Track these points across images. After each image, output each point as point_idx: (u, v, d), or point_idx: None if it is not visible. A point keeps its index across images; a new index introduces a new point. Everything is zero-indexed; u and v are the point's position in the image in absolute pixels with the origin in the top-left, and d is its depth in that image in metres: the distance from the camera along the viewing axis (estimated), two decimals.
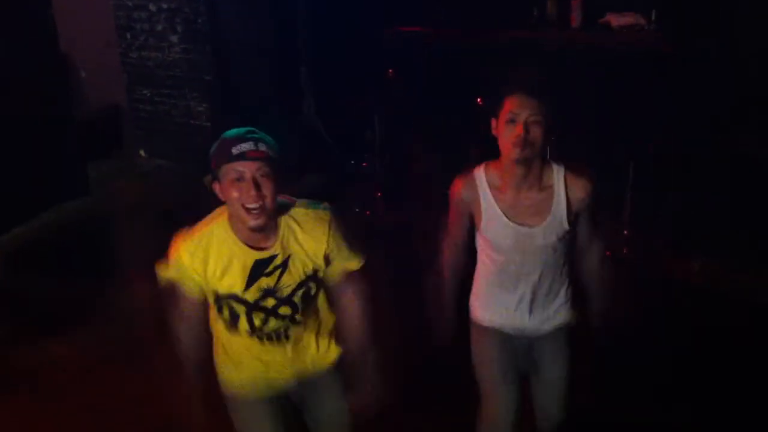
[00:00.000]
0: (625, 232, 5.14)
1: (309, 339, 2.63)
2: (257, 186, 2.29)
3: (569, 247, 2.82)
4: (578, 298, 2.95)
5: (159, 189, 6.60)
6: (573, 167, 2.75)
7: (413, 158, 6.06)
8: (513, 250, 2.77)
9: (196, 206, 4.74)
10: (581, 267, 2.93)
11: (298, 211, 2.48)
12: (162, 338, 4.33)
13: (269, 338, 2.57)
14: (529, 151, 2.61)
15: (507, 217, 2.72)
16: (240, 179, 2.30)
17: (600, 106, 5.44)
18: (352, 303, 2.65)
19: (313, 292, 2.54)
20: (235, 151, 2.29)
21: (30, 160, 5.77)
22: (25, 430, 3.79)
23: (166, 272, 2.52)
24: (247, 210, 2.32)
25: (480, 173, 2.76)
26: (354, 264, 2.60)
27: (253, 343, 2.58)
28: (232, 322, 2.52)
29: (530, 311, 2.87)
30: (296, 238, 2.45)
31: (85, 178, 6.31)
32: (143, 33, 6.71)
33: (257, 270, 2.42)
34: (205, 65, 6.55)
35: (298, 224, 2.46)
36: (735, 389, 3.81)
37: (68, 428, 3.78)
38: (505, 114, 2.62)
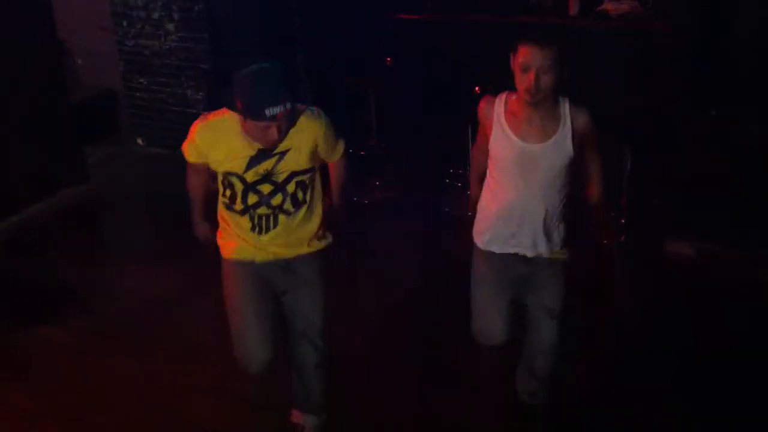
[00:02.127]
0: (622, 220, 5.15)
1: (295, 233, 3.09)
2: (279, 131, 2.79)
3: (568, 183, 3.06)
4: (573, 239, 3.20)
5: (155, 177, 6.59)
6: (576, 101, 3.00)
7: (411, 143, 6.09)
8: (515, 171, 3.01)
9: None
10: (588, 193, 3.19)
11: (302, 119, 2.95)
12: (156, 322, 4.42)
13: (259, 224, 3.03)
14: (541, 96, 2.87)
15: (514, 133, 2.98)
16: (267, 127, 2.76)
17: (596, 89, 5.43)
18: (336, 177, 3.28)
19: (307, 183, 3.03)
20: (268, 113, 2.71)
21: (28, 147, 5.76)
22: (19, 412, 3.81)
23: (186, 151, 3.08)
24: (267, 143, 2.84)
25: (501, 98, 3.05)
26: (338, 154, 3.18)
27: (245, 224, 3.05)
28: (231, 200, 3.01)
29: (529, 241, 3.09)
30: (294, 136, 2.91)
31: (84, 166, 6.29)
32: (139, 21, 6.68)
33: (258, 157, 2.91)
34: (202, 53, 6.53)
35: (297, 125, 2.92)
36: (735, 381, 3.81)
37: (61, 410, 3.81)
38: (518, 60, 2.86)
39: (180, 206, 5.89)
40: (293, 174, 2.98)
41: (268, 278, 3.17)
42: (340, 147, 3.19)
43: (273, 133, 2.78)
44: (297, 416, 3.51)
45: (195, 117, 6.51)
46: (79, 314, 4.57)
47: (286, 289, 3.20)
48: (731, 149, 4.74)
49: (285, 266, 3.16)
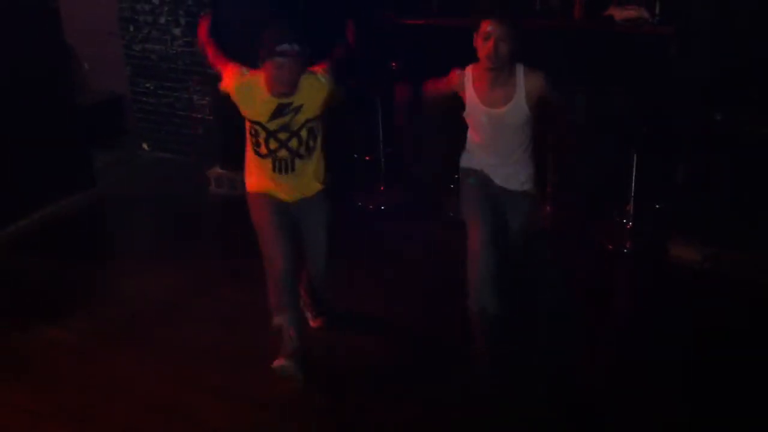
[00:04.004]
0: (628, 225, 5.14)
1: (307, 176, 3.79)
2: (290, 73, 3.46)
3: (530, 136, 3.76)
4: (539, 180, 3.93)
5: (160, 181, 6.61)
6: (529, 67, 3.64)
7: (416, 148, 6.08)
8: (488, 130, 3.73)
9: (197, 198, 4.82)
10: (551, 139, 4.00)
11: (310, 77, 3.64)
12: (158, 323, 4.42)
13: (279, 165, 3.71)
14: (499, 62, 3.54)
15: (483, 104, 3.68)
16: (280, 66, 3.43)
17: (601, 94, 5.43)
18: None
19: (316, 131, 3.71)
20: (278, 49, 3.41)
21: (35, 151, 5.77)
22: (20, 412, 3.81)
23: (223, 82, 3.71)
24: (280, 87, 3.52)
25: (468, 71, 3.72)
26: (341, 97, 3.83)
27: (268, 165, 3.72)
28: (256, 144, 3.68)
29: (503, 176, 3.81)
30: (306, 94, 3.60)
31: (91, 170, 6.30)
32: (146, 25, 6.72)
33: (278, 111, 3.58)
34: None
35: (309, 85, 3.62)
36: (735, 381, 3.80)
37: (63, 411, 3.80)
38: (481, 32, 3.53)
39: (184, 210, 5.97)
40: (306, 122, 3.64)
41: (286, 209, 3.82)
42: (341, 93, 3.84)
43: (285, 72, 3.43)
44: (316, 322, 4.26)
45: (200, 122, 6.72)
46: (83, 315, 4.57)
47: (300, 220, 3.86)
48: (736, 153, 4.72)
49: (299, 203, 3.83)
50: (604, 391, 3.75)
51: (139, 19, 6.73)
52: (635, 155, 4.97)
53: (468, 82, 3.70)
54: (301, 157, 3.73)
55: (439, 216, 5.50)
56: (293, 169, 3.74)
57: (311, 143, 3.73)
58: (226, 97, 3.72)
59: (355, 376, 3.94)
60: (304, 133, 3.67)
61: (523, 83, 3.62)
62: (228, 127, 5.49)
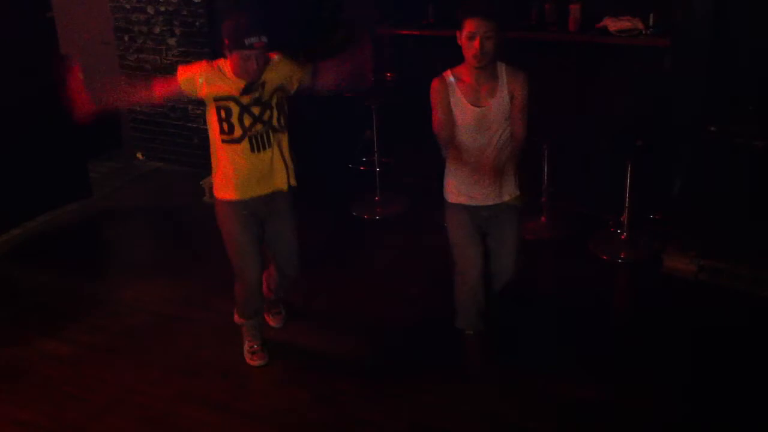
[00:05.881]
0: (623, 236, 5.15)
1: (282, 158, 3.81)
2: (257, 63, 3.55)
3: (509, 137, 3.71)
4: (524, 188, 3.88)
5: (156, 191, 6.61)
6: (512, 65, 3.67)
7: (412, 158, 6.09)
8: (474, 128, 3.67)
9: (193, 208, 4.82)
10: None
11: (274, 59, 3.74)
12: (153, 335, 4.41)
13: (256, 142, 3.72)
14: (485, 60, 3.55)
15: (470, 103, 3.64)
16: (248, 58, 3.52)
17: (596, 105, 5.46)
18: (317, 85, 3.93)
19: (283, 104, 3.78)
20: (247, 42, 3.48)
21: (32, 162, 5.77)
22: (14, 423, 3.80)
23: (182, 77, 3.73)
24: (249, 76, 3.60)
25: (448, 74, 3.69)
26: (306, 73, 3.83)
27: (245, 149, 3.72)
28: (230, 127, 3.69)
29: (488, 189, 3.75)
30: (271, 70, 3.70)
31: (86, 180, 6.30)
32: (141, 35, 6.71)
33: (248, 87, 3.64)
34: None
35: (273, 64, 3.72)
36: (735, 381, 3.83)
37: (57, 422, 3.80)
38: (465, 31, 3.51)
39: (179, 220, 5.96)
40: (274, 91, 3.72)
41: (254, 210, 3.87)
42: (306, 67, 3.86)
43: (252, 64, 3.53)
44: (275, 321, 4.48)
45: (195, 132, 6.72)
46: (77, 326, 4.56)
47: (267, 218, 3.93)
48: (730, 164, 4.74)
49: (267, 200, 3.86)
50: (600, 398, 3.75)
51: (134, 29, 6.73)
52: (630, 166, 4.98)
53: (451, 87, 3.67)
54: (275, 130, 3.77)
55: (434, 225, 5.49)
56: (269, 144, 3.77)
57: (282, 120, 3.79)
58: (189, 90, 3.73)
59: (352, 386, 3.94)
60: (274, 101, 3.73)
61: (506, 80, 3.64)
62: None
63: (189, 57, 6.55)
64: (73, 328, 4.54)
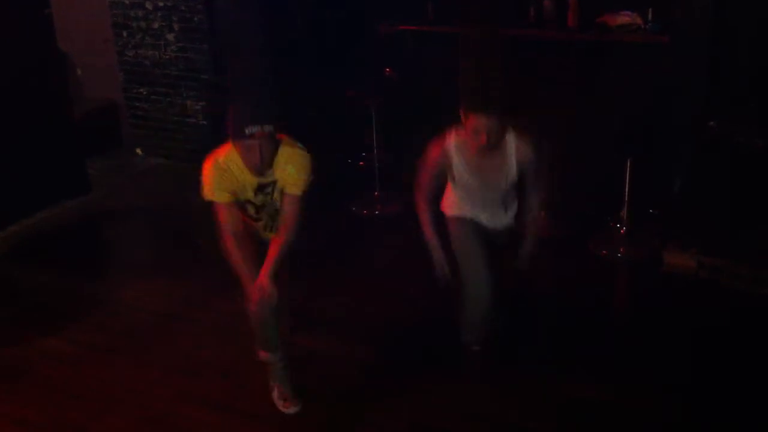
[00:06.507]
0: (622, 231, 5.15)
1: (272, 231, 3.75)
2: (260, 152, 3.35)
3: (516, 194, 3.80)
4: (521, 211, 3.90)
5: (155, 188, 6.60)
6: (520, 136, 3.59)
7: (411, 155, 6.07)
8: (477, 193, 3.72)
9: (192, 204, 4.83)
10: (525, 205, 3.85)
11: (285, 149, 3.53)
12: (153, 334, 4.41)
13: (267, 224, 3.75)
14: (492, 147, 3.50)
15: (473, 174, 3.65)
16: (250, 147, 3.33)
17: (595, 101, 5.45)
18: (287, 214, 3.65)
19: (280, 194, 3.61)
20: (248, 131, 3.30)
21: (30, 158, 5.75)
22: (14, 423, 3.80)
23: (207, 194, 3.51)
24: (252, 166, 3.43)
25: (450, 142, 3.64)
26: (299, 189, 3.58)
27: (251, 222, 3.73)
28: (247, 214, 3.67)
29: (490, 217, 3.81)
30: (281, 167, 3.52)
31: (85, 177, 6.29)
32: (140, 31, 6.70)
33: (260, 188, 3.57)
34: (202, 64, 6.55)
35: (284, 158, 3.51)
36: (735, 381, 3.83)
37: (57, 421, 3.80)
38: (470, 124, 3.46)
39: (178, 217, 5.95)
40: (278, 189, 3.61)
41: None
42: (303, 184, 3.59)
43: (255, 154, 3.35)
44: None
45: (194, 127, 6.72)
46: (77, 326, 4.55)
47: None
48: (732, 162, 4.74)
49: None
50: (601, 398, 3.76)
51: (133, 25, 6.71)
52: (629, 161, 4.98)
53: (453, 152, 3.63)
54: (271, 217, 3.73)
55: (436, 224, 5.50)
56: (274, 224, 3.74)
57: (278, 200, 3.67)
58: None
59: (352, 386, 3.94)
60: (277, 197, 3.62)
61: (514, 154, 3.60)
62: (221, 132, 5.48)
63: (187, 52, 6.54)
64: (73, 328, 4.53)
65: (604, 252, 5.08)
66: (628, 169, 5.00)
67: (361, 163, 6.21)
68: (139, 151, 7.16)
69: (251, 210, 3.68)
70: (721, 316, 4.40)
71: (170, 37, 6.60)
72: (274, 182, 3.56)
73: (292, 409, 3.75)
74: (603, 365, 3.99)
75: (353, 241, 5.44)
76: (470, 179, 3.67)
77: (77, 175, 6.22)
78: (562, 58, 5.62)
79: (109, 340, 4.43)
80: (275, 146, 3.44)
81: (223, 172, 3.48)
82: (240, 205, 3.61)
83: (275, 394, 3.80)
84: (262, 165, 3.41)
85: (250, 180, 3.52)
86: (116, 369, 4.17)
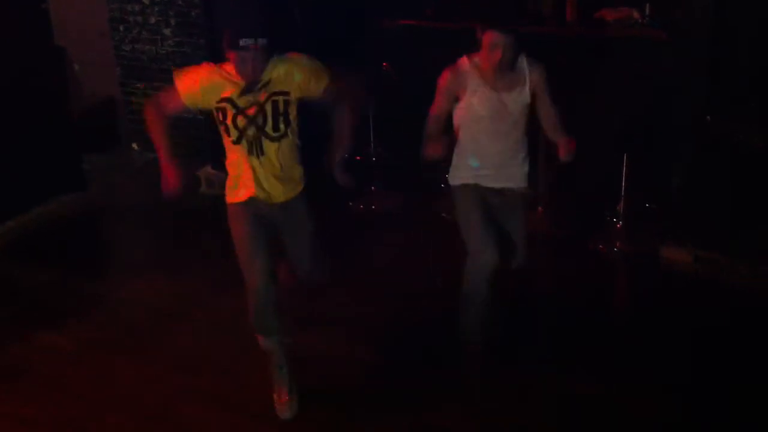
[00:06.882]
0: (618, 225, 5.16)
1: (279, 165, 3.65)
2: (253, 64, 3.42)
3: (526, 130, 3.85)
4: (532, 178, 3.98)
5: (153, 183, 6.56)
6: (531, 58, 3.76)
7: (408, 149, 6.07)
8: (488, 120, 3.74)
9: (189, 200, 4.74)
10: (545, 128, 3.91)
11: (283, 62, 3.57)
12: (152, 330, 4.40)
13: (251, 147, 3.58)
14: (506, 64, 3.64)
15: (490, 88, 3.70)
16: (243, 60, 3.40)
17: (593, 96, 5.45)
18: (339, 115, 3.77)
19: (281, 109, 3.57)
20: (242, 43, 3.37)
21: (26, 153, 5.73)
22: (17, 419, 3.82)
23: (180, 76, 3.62)
24: (245, 76, 3.46)
25: (465, 62, 3.76)
26: (324, 81, 3.63)
27: (244, 152, 3.60)
28: (227, 131, 3.59)
29: (499, 170, 3.83)
30: (275, 71, 3.54)
31: (82, 173, 6.26)
32: (136, 26, 6.67)
33: (247, 88, 3.51)
34: (199, 58, 6.50)
35: (282, 66, 3.55)
36: (735, 381, 3.85)
37: (57, 418, 3.81)
38: (486, 42, 3.58)
39: (176, 213, 5.93)
40: (272, 94, 3.55)
41: (267, 212, 3.73)
42: (323, 75, 3.64)
43: (248, 67, 3.41)
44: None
45: (190, 122, 6.69)
46: (77, 324, 4.56)
47: (280, 224, 3.80)
48: (727, 154, 4.74)
49: (281, 207, 3.75)
50: (601, 396, 3.78)
51: (130, 20, 6.68)
52: (626, 156, 4.98)
53: (469, 73, 3.72)
54: (268, 137, 3.59)
55: (431, 217, 5.51)
56: (262, 152, 3.61)
57: (281, 125, 3.59)
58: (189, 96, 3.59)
59: (352, 385, 3.96)
60: (268, 108, 3.55)
61: (528, 73, 3.75)
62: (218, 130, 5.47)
63: (184, 47, 6.52)
64: (73, 326, 4.53)
65: (601, 247, 5.09)
66: (624, 163, 5.01)
67: (358, 157, 6.19)
68: (135, 146, 7.14)
69: (230, 116, 3.54)
70: (720, 314, 4.41)
71: (167, 31, 6.57)
72: (266, 83, 3.51)
73: (286, 414, 3.75)
74: (603, 364, 4.01)
75: (352, 239, 5.44)
76: (482, 111, 3.72)
77: (72, 170, 6.19)
78: (560, 56, 5.61)
79: (109, 338, 4.43)
80: (266, 59, 3.50)
81: (212, 74, 3.54)
82: (222, 117, 3.56)
83: (275, 396, 3.80)
84: (254, 75, 3.46)
85: (239, 82, 3.50)
86: (116, 367, 4.17)
